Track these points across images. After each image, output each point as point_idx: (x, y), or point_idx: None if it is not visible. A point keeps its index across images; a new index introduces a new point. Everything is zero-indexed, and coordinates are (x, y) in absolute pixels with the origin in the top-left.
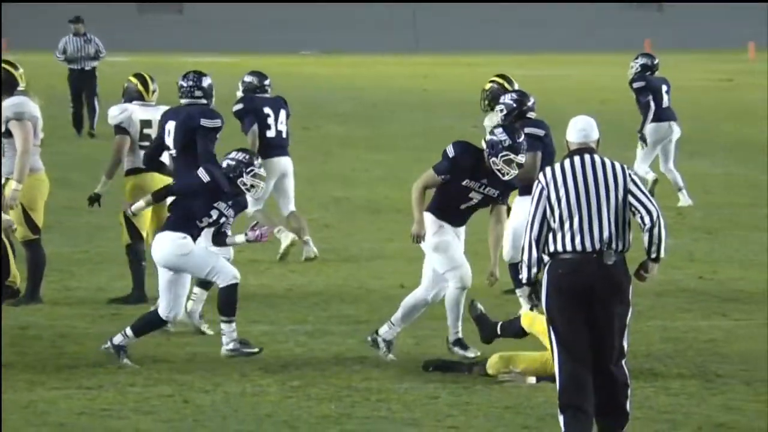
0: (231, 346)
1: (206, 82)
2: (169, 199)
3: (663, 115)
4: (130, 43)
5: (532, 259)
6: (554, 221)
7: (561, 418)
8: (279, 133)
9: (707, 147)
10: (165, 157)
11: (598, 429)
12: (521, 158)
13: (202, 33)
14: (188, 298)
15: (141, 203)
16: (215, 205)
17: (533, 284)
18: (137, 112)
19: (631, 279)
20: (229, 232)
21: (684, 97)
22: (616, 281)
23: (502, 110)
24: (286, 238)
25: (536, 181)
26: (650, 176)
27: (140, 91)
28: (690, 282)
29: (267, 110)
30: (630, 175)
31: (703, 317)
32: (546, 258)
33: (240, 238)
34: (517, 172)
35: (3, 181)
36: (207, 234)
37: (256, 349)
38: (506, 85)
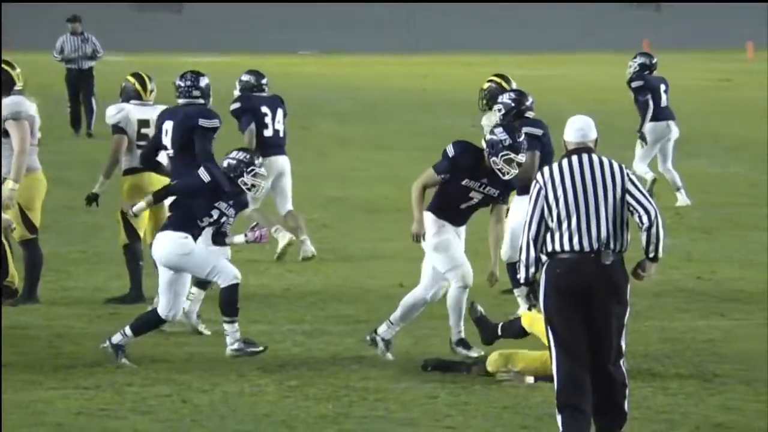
0: (235, 346)
1: (204, 82)
2: (169, 199)
3: (661, 114)
4: (129, 43)
5: (530, 258)
6: (552, 221)
7: (559, 418)
8: (276, 132)
9: (705, 147)
10: (162, 157)
11: (596, 429)
12: (521, 157)
13: (200, 33)
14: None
15: (142, 204)
16: (216, 204)
17: (531, 284)
18: (135, 111)
19: (629, 279)
20: (229, 232)
21: (682, 97)
22: (613, 281)
23: (500, 110)
24: (283, 238)
25: (534, 181)
26: (649, 176)
27: (138, 91)
28: (688, 282)
29: (264, 109)
30: (628, 174)
31: (702, 317)
32: (544, 258)
33: (239, 239)
34: (517, 171)
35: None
36: (207, 233)
37: (261, 348)
38: (504, 84)
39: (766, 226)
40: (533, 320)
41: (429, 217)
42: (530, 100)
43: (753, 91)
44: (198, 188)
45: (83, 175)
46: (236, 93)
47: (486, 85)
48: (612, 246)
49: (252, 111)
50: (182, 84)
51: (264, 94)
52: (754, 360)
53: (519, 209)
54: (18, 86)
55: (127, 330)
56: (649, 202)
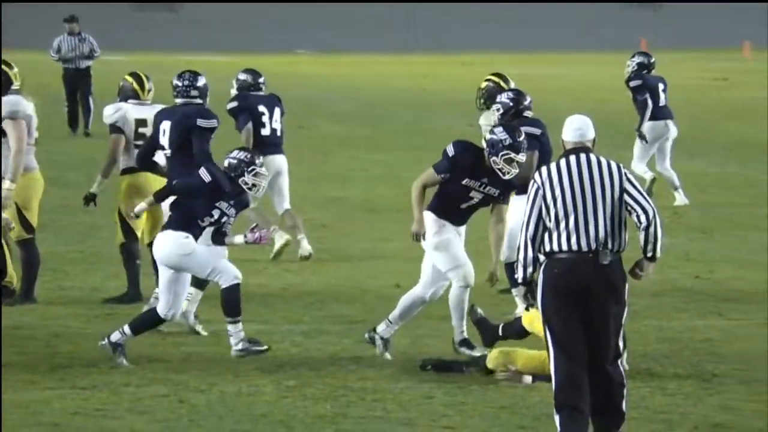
0: (240, 346)
1: (201, 81)
2: (167, 199)
3: (659, 113)
4: (126, 42)
5: (528, 258)
6: (550, 221)
7: (557, 418)
8: (273, 131)
9: (703, 146)
10: (158, 157)
11: (594, 429)
12: (522, 157)
13: (197, 32)
14: None
15: (143, 205)
16: (217, 204)
17: (529, 284)
18: (132, 111)
19: (627, 278)
20: (229, 232)
21: (680, 96)
22: (611, 281)
23: (498, 109)
24: (280, 238)
25: (532, 181)
26: (648, 175)
27: (136, 90)
28: (686, 281)
29: (261, 108)
30: (626, 174)
31: (700, 317)
32: (542, 257)
33: (239, 239)
34: (518, 171)
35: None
36: (207, 233)
37: (265, 347)
38: (502, 83)
39: (765, 226)
40: (533, 319)
41: (429, 217)
42: (528, 99)
43: (750, 91)
44: (199, 188)
45: (81, 175)
46: (233, 92)
47: (484, 85)
48: (610, 246)
49: (249, 110)
50: (180, 84)
51: (261, 93)
52: (753, 360)
53: (517, 209)
54: (15, 86)
55: (126, 328)
56: (647, 202)
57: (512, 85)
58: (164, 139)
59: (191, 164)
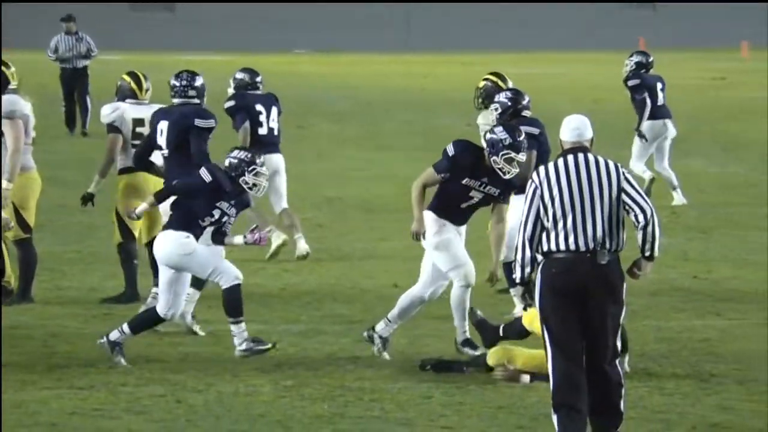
0: (244, 346)
1: (199, 81)
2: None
3: (658, 112)
4: (123, 42)
5: (526, 258)
6: (548, 220)
7: (555, 418)
8: (271, 130)
9: (701, 146)
10: (155, 157)
11: (592, 428)
12: (522, 156)
13: (195, 32)
14: None
15: (144, 205)
16: (217, 204)
17: (527, 284)
18: (130, 110)
19: (625, 278)
20: (229, 232)
21: (678, 96)
22: (609, 281)
23: (497, 109)
24: (277, 238)
25: (530, 181)
26: (647, 175)
27: (133, 90)
28: (684, 281)
29: (259, 107)
30: (624, 173)
31: (698, 317)
32: (539, 257)
33: (238, 240)
34: (518, 170)
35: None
36: (207, 232)
37: (269, 345)
38: (500, 83)
39: (764, 226)
40: (533, 319)
41: (430, 217)
42: (527, 98)
43: (748, 91)
44: (199, 188)
45: (78, 175)
46: (230, 91)
47: (482, 84)
48: (608, 245)
49: (246, 109)
50: (177, 84)
51: (258, 92)
52: (751, 360)
53: (516, 209)
54: (12, 85)
55: (125, 327)
56: (645, 201)
57: (510, 84)
58: (161, 139)
59: (189, 164)
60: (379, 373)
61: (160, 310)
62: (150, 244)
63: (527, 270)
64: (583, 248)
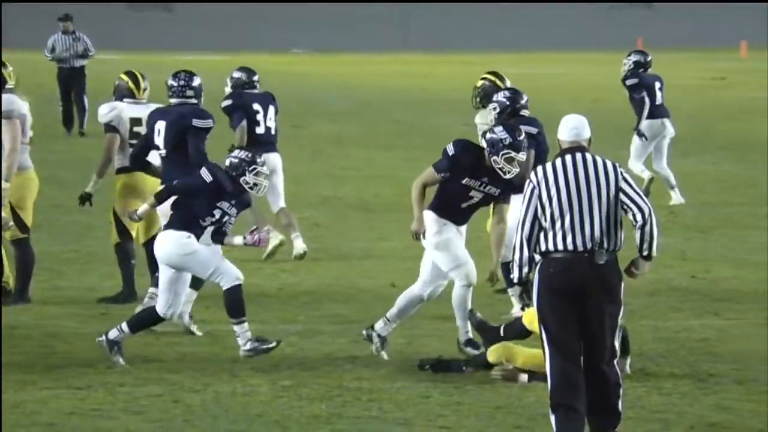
0: (248, 346)
1: (197, 81)
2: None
3: (656, 112)
4: (121, 41)
5: (524, 258)
6: (545, 220)
7: (553, 418)
8: (268, 129)
9: (700, 145)
10: (152, 157)
11: (590, 428)
12: (522, 156)
13: (193, 31)
14: None
15: (146, 206)
16: (218, 204)
17: (525, 284)
18: (127, 110)
19: (623, 278)
20: (229, 232)
21: (677, 96)
22: (607, 280)
23: (495, 108)
24: (274, 238)
25: (527, 180)
26: (646, 174)
27: (131, 89)
28: (682, 281)
29: (256, 106)
30: (621, 173)
31: (696, 316)
32: (537, 257)
33: (238, 240)
34: (518, 170)
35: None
36: (207, 232)
37: (274, 343)
38: (498, 82)
39: (762, 225)
40: (534, 318)
41: (430, 216)
42: (525, 98)
43: (748, 90)
44: (200, 188)
45: (75, 174)
46: (227, 90)
47: (480, 83)
48: (606, 245)
49: (243, 108)
50: (175, 84)
51: (255, 91)
52: (749, 359)
53: (514, 208)
54: (10, 85)
55: (124, 326)
56: (643, 201)
57: (508, 83)
58: (159, 139)
59: (186, 164)
60: (377, 373)
61: (160, 309)
62: (147, 244)
63: (525, 270)
64: (581, 248)
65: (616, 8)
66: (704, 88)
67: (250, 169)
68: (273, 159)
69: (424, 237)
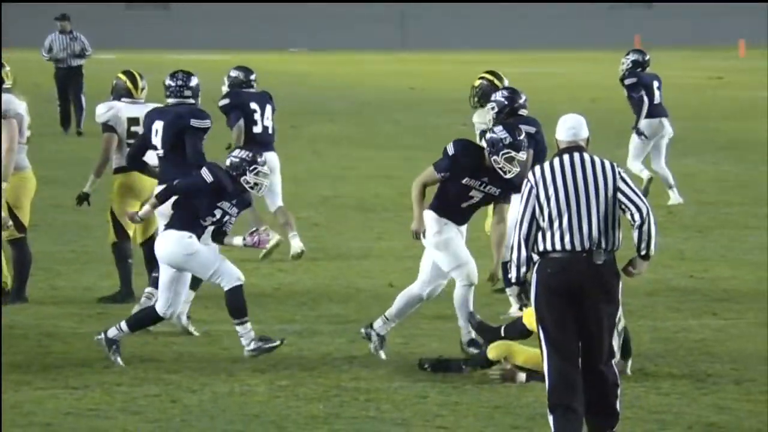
0: (252, 346)
1: (194, 81)
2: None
3: (654, 111)
4: (118, 41)
5: (521, 258)
6: (543, 220)
7: (551, 418)
8: (265, 128)
9: (698, 145)
10: (149, 157)
11: (588, 428)
12: (522, 155)
13: (190, 31)
14: None
15: (147, 207)
16: (219, 204)
17: (523, 283)
18: (125, 109)
19: (621, 277)
20: (230, 232)
21: (675, 95)
22: (605, 280)
23: (493, 107)
24: (272, 239)
25: (525, 180)
26: (644, 174)
27: (129, 89)
28: (680, 281)
29: (253, 105)
30: (620, 172)
31: (694, 316)
32: (535, 257)
33: (238, 241)
34: (518, 169)
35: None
36: (207, 232)
37: (278, 342)
38: (496, 81)
39: (760, 225)
40: (533, 317)
41: (431, 216)
42: (523, 97)
43: (745, 90)
44: (201, 188)
45: (73, 174)
46: (224, 89)
47: (477, 83)
48: (603, 245)
49: (241, 107)
50: (173, 83)
51: (252, 90)
52: (747, 359)
53: (514, 208)
54: (7, 84)
55: (123, 325)
56: (641, 200)
57: (506, 83)
58: (157, 140)
59: (184, 164)
60: (375, 373)
61: (160, 308)
62: (145, 244)
63: (523, 269)
64: (578, 248)
65: (616, 8)
66: (702, 87)
67: (251, 168)
68: (270, 158)
69: (424, 236)
